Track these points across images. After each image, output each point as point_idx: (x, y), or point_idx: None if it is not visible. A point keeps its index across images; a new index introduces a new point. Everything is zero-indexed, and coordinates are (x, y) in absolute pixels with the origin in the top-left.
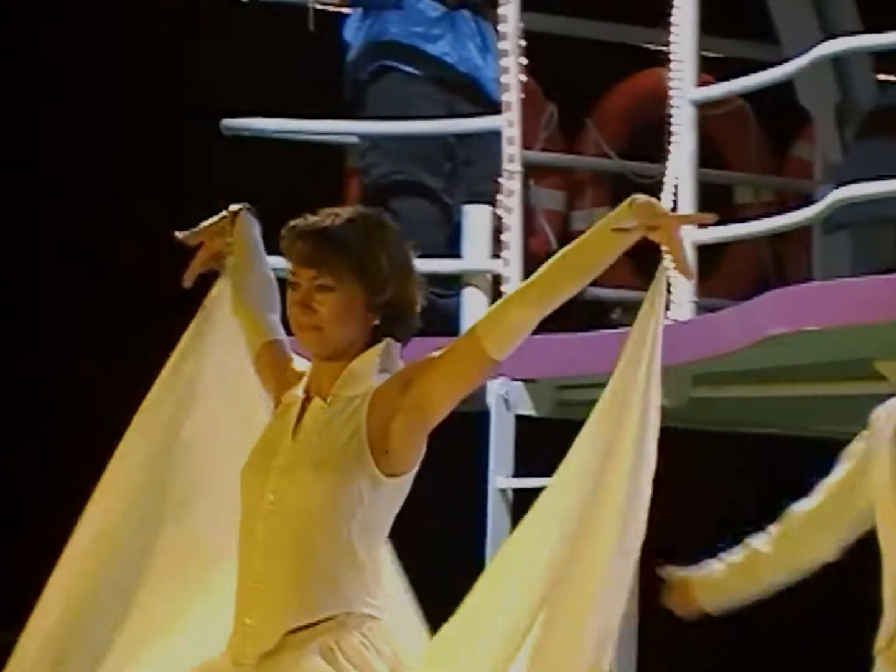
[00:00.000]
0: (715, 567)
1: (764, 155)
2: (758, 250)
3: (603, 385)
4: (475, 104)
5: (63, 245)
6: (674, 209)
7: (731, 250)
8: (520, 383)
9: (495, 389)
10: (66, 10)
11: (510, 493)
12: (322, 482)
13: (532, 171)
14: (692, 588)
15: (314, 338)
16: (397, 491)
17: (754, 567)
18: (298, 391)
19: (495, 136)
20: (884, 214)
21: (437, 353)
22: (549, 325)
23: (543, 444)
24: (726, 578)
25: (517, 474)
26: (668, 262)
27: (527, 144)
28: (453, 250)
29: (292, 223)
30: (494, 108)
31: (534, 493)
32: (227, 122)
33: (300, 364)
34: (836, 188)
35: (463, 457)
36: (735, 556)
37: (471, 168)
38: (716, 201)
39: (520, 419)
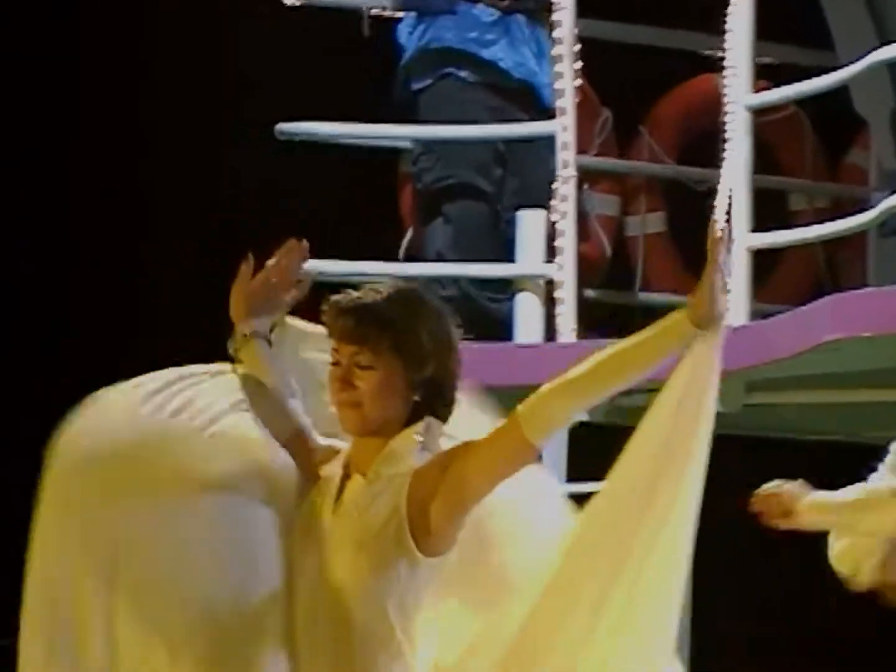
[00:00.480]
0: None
1: (818, 161)
2: (812, 256)
3: (656, 391)
4: (529, 109)
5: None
6: (728, 215)
7: (786, 256)
8: None
9: None
10: (108, 12)
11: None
12: (361, 562)
13: (586, 177)
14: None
15: (354, 414)
16: (435, 569)
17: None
18: (336, 467)
19: (549, 141)
20: None
21: (477, 439)
22: (604, 330)
23: (596, 450)
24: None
25: (570, 480)
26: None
27: (581, 149)
28: (506, 256)
29: (334, 299)
30: (549, 113)
31: (587, 498)
32: (281, 126)
33: (331, 444)
34: (892, 194)
35: None
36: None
37: (522, 175)
38: (770, 207)
39: (572, 425)
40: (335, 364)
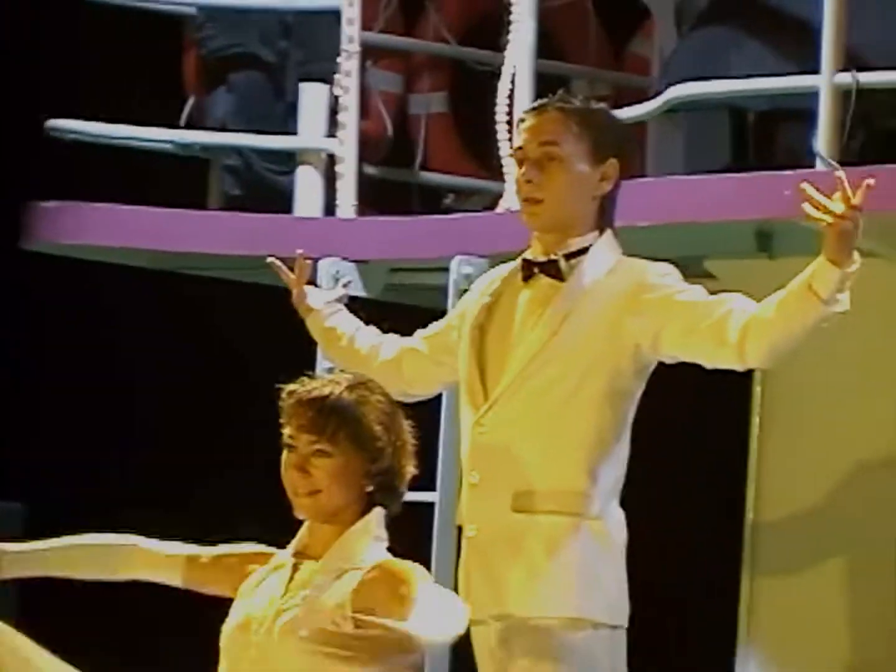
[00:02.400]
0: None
1: (601, 48)
2: None
3: (434, 269)
4: None
5: None
6: (510, 98)
7: None
8: (351, 263)
9: (326, 268)
10: None
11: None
12: (306, 650)
13: (370, 53)
14: None
15: (310, 502)
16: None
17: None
18: (284, 555)
19: (335, 15)
20: (713, 103)
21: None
22: (383, 207)
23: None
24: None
25: None
26: None
27: (366, 25)
28: (290, 128)
29: (291, 388)
30: None
31: None
32: None
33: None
34: (665, 79)
35: (292, 334)
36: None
37: (307, 47)
38: (553, 93)
39: (349, 300)
40: (291, 450)
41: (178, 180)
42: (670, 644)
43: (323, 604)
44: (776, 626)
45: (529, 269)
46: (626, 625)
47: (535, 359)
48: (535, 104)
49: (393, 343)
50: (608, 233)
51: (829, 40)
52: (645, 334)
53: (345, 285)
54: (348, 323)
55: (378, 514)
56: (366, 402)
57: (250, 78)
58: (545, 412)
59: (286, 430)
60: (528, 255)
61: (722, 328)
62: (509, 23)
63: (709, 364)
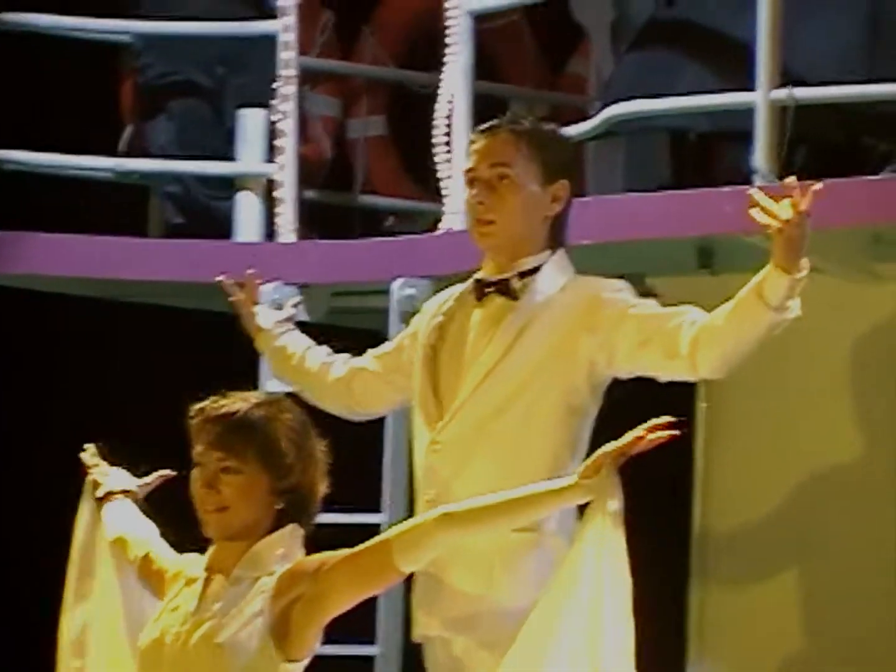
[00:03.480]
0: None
1: (539, 69)
2: None
3: (376, 292)
4: (252, 8)
5: None
6: (449, 120)
7: None
8: (293, 288)
9: (269, 293)
10: None
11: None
12: (221, 662)
13: (308, 77)
14: None
15: (218, 518)
16: None
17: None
18: (197, 570)
19: (271, 40)
20: (654, 125)
21: (347, 552)
22: (324, 231)
23: None
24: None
25: None
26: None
27: (303, 50)
28: (230, 154)
29: (200, 405)
30: (271, 12)
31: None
32: (1, 16)
33: (183, 558)
34: (605, 99)
35: (235, 359)
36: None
37: (244, 73)
38: (491, 114)
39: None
40: (200, 467)
41: (118, 209)
42: None
43: (238, 614)
44: (725, 639)
45: (482, 289)
46: None
47: (489, 376)
48: (486, 125)
49: (343, 362)
50: (560, 251)
51: (765, 55)
52: (600, 351)
53: (294, 305)
54: (298, 342)
55: (293, 530)
56: (275, 419)
57: (189, 105)
58: (501, 429)
59: (196, 448)
60: (480, 274)
61: (674, 340)
62: (446, 44)
63: (662, 376)
